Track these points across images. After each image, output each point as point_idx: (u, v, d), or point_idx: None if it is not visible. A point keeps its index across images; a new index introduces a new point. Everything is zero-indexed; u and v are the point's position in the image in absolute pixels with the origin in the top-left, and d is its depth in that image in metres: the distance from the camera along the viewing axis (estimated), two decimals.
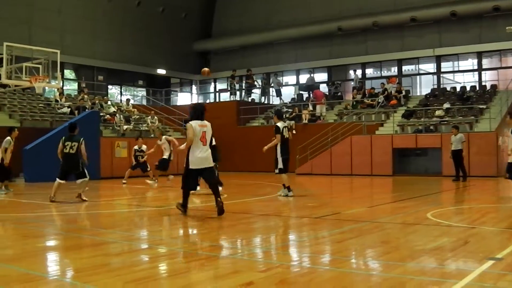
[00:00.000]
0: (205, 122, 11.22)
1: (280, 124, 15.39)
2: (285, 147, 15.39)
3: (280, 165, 15.37)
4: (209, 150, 11.21)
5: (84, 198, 14.59)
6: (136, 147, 22.54)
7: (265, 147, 15.46)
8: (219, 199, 10.91)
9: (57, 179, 14.55)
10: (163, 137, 21.61)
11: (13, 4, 31.51)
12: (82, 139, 14.53)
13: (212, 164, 11.36)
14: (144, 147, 22.41)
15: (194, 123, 11.03)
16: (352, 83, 37.02)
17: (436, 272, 6.15)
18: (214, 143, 14.65)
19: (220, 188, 12.61)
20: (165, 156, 21.31)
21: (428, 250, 7.22)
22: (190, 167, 11.07)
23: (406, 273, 6.05)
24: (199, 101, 42.65)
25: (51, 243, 8.71)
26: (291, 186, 15.52)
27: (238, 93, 38.17)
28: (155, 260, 7.12)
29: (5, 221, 11.05)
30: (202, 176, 11.43)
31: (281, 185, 15.74)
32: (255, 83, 38.69)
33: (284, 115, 17.34)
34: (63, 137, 14.74)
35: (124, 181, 22.17)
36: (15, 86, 22.96)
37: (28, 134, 23.52)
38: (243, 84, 38.28)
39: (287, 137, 15.56)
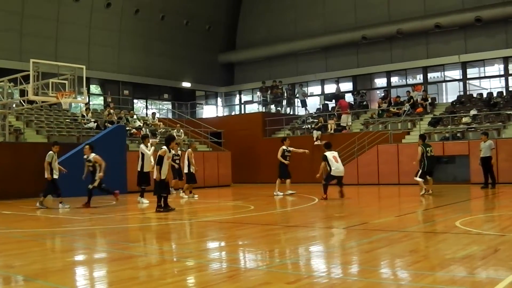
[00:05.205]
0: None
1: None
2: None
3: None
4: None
5: None
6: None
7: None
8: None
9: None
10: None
11: (39, 20, 31.94)
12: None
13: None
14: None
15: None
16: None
17: (466, 281, 6.08)
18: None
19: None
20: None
21: (458, 259, 7.15)
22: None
23: (436, 282, 6.00)
24: (225, 114, 42.90)
25: (79, 257, 8.75)
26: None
27: (268, 104, 38.09)
28: (183, 273, 7.13)
29: (33, 236, 11.14)
30: None
31: None
32: (284, 94, 38.54)
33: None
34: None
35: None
36: (42, 102, 23.15)
37: None
38: (268, 96, 38.16)
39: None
